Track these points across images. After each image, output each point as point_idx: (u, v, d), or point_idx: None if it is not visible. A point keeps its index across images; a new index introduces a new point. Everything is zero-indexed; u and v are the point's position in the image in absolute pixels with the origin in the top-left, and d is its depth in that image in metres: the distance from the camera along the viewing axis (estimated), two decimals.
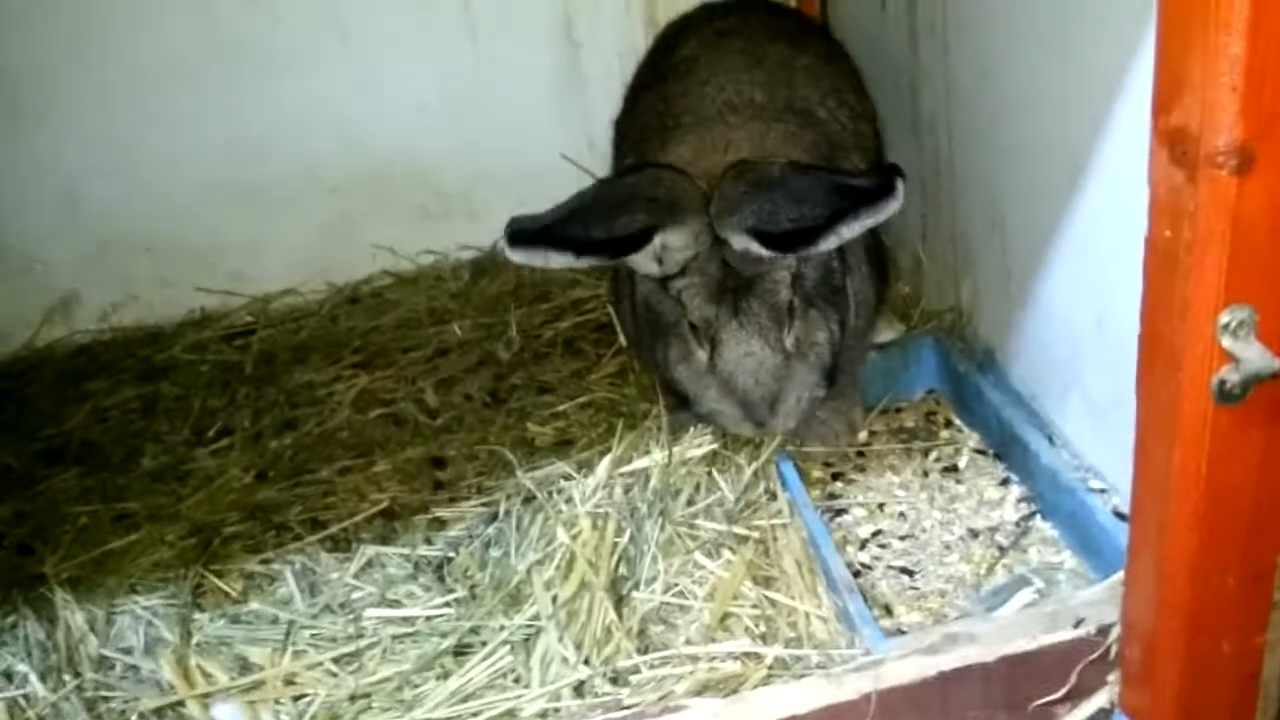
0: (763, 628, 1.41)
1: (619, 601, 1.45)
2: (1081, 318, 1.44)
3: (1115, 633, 1.21)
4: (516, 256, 1.55)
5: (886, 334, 1.94)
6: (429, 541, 1.70)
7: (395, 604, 1.58)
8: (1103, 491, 1.46)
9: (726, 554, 1.50)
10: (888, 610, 1.47)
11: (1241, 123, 0.88)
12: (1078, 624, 1.22)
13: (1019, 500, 1.61)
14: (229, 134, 2.37)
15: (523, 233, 1.55)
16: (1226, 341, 0.95)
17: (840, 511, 1.67)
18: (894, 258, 2.11)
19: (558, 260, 1.54)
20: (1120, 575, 1.23)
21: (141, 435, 2.10)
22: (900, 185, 1.45)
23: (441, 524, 1.74)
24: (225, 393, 2.20)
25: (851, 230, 1.45)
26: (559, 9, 2.38)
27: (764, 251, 1.49)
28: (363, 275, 2.50)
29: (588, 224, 1.55)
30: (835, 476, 1.75)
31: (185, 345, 2.37)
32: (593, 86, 2.41)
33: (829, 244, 1.47)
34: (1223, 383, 0.97)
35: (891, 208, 1.45)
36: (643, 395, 1.94)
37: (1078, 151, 1.35)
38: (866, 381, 1.86)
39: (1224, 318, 0.95)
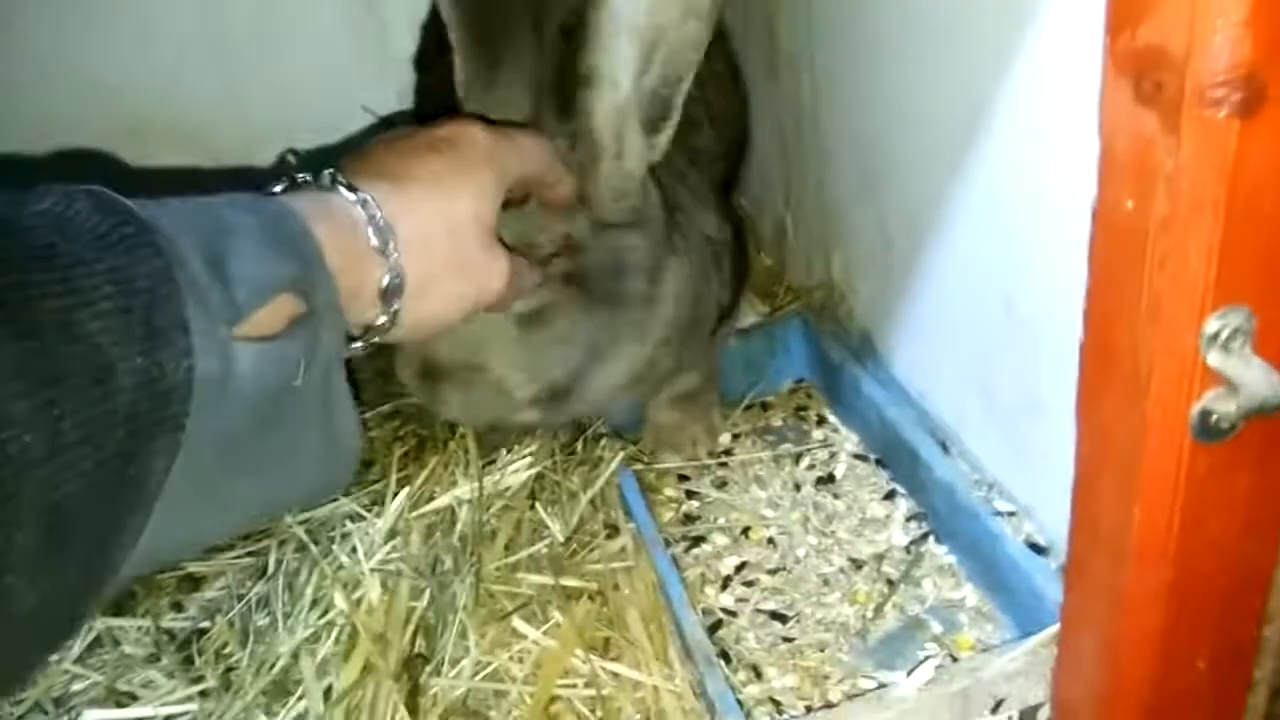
0: (600, 712, 1.10)
1: (414, 691, 1.11)
2: (983, 300, 1.16)
3: (1044, 716, 0.94)
4: None
5: (748, 317, 1.64)
6: (179, 607, 1.33)
7: (125, 700, 1.21)
8: (1011, 515, 1.19)
9: (555, 615, 1.18)
10: (756, 673, 1.17)
11: (1249, 38, 0.59)
12: (996, 707, 0.95)
13: (908, 518, 1.33)
14: None
15: None
16: (1214, 358, 0.67)
17: (698, 540, 1.36)
18: (754, 226, 1.81)
19: None
20: (1045, 636, 0.97)
21: None
22: None
23: (196, 583, 1.37)
24: None
25: None
26: None
27: None
28: None
29: None
30: (690, 494, 1.45)
31: None
32: (395, 23, 2.01)
33: None
34: (1206, 414, 0.69)
35: None
36: None
37: (977, 88, 1.05)
38: (726, 373, 1.56)
39: (1211, 325, 0.67)
